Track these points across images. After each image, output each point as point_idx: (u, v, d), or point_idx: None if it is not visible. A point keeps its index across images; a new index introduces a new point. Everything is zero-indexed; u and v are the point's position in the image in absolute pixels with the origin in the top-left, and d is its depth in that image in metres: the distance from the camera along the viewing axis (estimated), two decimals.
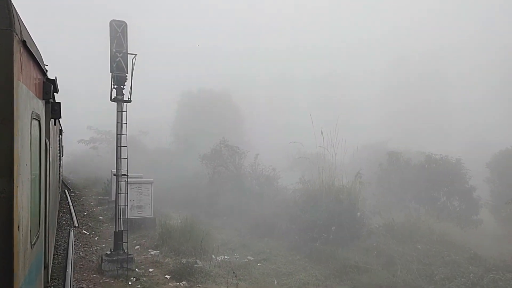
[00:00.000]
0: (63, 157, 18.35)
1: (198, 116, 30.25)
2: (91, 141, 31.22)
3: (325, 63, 54.76)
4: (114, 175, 11.94)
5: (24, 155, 2.73)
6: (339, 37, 69.29)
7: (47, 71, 4.46)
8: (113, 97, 9.17)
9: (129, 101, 9.16)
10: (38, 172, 3.75)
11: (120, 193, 9.10)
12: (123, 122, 9.17)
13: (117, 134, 9.17)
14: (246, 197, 17.93)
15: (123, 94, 9.19)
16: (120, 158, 9.13)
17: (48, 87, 4.07)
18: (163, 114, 36.11)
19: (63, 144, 15.50)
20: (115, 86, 9.09)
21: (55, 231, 8.89)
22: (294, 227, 13.97)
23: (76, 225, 11.61)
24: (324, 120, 17.28)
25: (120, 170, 9.29)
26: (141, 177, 15.49)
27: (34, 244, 3.23)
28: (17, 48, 2.48)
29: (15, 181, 2.40)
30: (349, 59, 58.06)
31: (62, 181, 17.89)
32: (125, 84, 9.00)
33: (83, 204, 17.59)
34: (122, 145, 9.18)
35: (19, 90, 2.53)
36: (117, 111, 9.13)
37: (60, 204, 13.76)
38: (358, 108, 44.78)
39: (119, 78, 8.98)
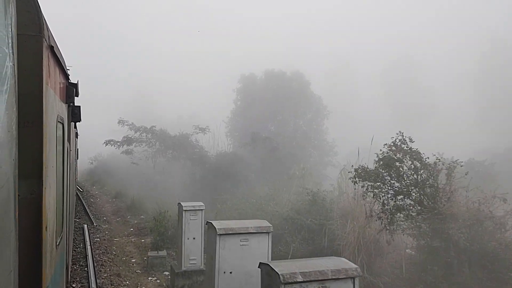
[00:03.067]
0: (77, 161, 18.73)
1: (267, 107, 25.77)
2: (125, 142, 23.97)
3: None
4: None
5: (51, 158, 3.20)
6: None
7: (69, 75, 5.19)
8: None
9: None
10: (62, 174, 4.25)
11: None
12: None
13: None
14: None
15: None
16: None
17: (71, 91, 4.73)
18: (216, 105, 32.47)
19: (78, 147, 16.47)
20: None
21: (73, 233, 9.90)
22: None
23: None
24: None
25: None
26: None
27: (58, 244, 3.74)
28: (45, 54, 2.90)
29: (44, 183, 2.80)
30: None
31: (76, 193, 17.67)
32: None
33: (115, 265, 10.73)
34: None
35: (48, 94, 2.98)
36: None
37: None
38: None
39: None
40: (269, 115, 27.80)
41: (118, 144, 20.25)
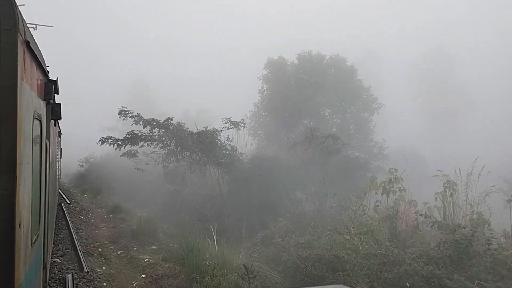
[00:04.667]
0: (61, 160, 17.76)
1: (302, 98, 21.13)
2: (129, 141, 17.14)
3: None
4: None
5: (26, 154, 3.22)
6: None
7: (48, 72, 5.20)
8: None
9: None
10: (39, 172, 4.35)
11: None
12: None
13: None
14: None
15: None
16: None
17: (49, 88, 4.79)
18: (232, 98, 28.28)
19: (61, 147, 15.50)
20: None
21: (53, 232, 10.04)
22: None
23: None
24: None
25: None
26: None
27: (34, 242, 3.76)
28: (21, 49, 2.97)
29: (17, 179, 2.85)
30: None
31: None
32: None
33: None
34: None
35: (23, 89, 3.04)
36: None
37: None
38: None
39: None
40: (305, 108, 22.91)
41: (119, 143, 15.14)
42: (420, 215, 10.10)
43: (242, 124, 16.17)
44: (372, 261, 8.10)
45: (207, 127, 15.42)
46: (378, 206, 12.42)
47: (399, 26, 65.39)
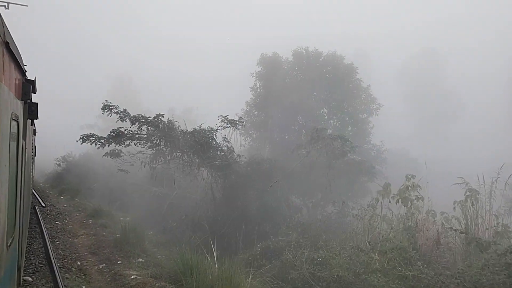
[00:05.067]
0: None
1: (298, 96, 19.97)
2: (113, 139, 14.64)
3: None
4: None
5: (3, 156, 3.22)
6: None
7: (26, 71, 5.25)
8: None
9: None
10: (15, 173, 4.31)
11: None
12: None
13: None
14: None
15: None
16: None
17: (27, 88, 4.75)
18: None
19: (35, 144, 14.77)
20: None
21: (27, 234, 9.54)
22: None
23: None
24: None
25: None
26: None
27: (9, 245, 3.69)
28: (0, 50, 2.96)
29: None
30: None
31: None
32: None
33: None
34: None
35: (1, 91, 3.01)
36: None
37: None
38: None
39: None
40: (301, 107, 21.80)
41: (102, 141, 13.61)
42: (454, 229, 9.02)
43: (240, 123, 14.94)
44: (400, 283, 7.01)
45: (201, 126, 14.12)
46: (388, 216, 11.41)
47: (392, 26, 65.25)
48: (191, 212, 15.32)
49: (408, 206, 10.57)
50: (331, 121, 22.16)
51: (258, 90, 24.15)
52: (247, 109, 24.37)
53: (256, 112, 23.89)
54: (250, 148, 22.66)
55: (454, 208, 11.22)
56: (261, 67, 24.29)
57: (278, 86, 22.73)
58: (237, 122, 14.66)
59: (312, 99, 22.00)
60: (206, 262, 9.45)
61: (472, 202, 10.59)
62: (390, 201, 11.23)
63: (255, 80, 24.46)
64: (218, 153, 14.14)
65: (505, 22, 56.34)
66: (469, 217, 10.65)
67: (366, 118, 22.55)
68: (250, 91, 24.46)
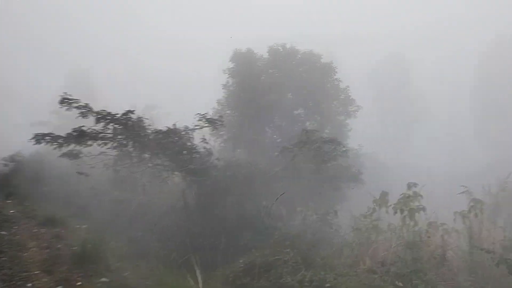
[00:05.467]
0: None
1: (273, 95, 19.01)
2: (73, 139, 12.49)
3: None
4: None
5: None
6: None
7: None
8: None
9: None
10: None
11: None
12: None
13: None
14: None
15: None
16: None
17: None
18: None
19: None
20: None
21: None
22: None
23: None
24: None
25: None
26: None
27: None
28: None
29: None
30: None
31: None
32: None
33: None
34: None
35: None
36: None
37: None
38: None
39: None
40: (276, 107, 20.77)
41: (61, 141, 11.83)
42: (480, 248, 8.16)
43: (220, 122, 13.63)
44: None
45: (175, 124, 12.68)
46: (383, 228, 10.52)
47: (363, 29, 65.79)
48: (161, 221, 13.83)
49: (413, 217, 9.71)
50: (308, 123, 21.28)
51: (231, 88, 22.90)
52: (219, 108, 23.04)
53: (228, 112, 22.60)
54: (221, 150, 21.34)
55: (455, 219, 10.55)
56: (234, 63, 23.05)
57: (253, 84, 21.57)
58: (217, 122, 13.37)
59: (289, 98, 21.03)
60: (186, 282, 8.17)
61: (476, 213, 9.94)
62: (387, 212, 10.39)
63: (228, 77, 23.20)
64: (194, 155, 12.78)
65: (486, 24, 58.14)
66: (472, 229, 9.98)
67: (344, 120, 21.90)
68: (222, 88, 23.15)
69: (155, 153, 12.84)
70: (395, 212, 10.20)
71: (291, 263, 8.56)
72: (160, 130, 12.23)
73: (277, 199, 12.25)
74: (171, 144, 11.91)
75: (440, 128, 51.07)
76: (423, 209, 10.03)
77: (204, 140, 13.48)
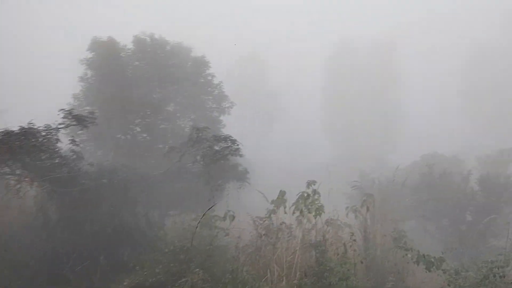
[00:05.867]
0: None
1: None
2: None
3: None
4: None
5: None
6: None
7: None
8: None
9: None
10: None
11: None
12: None
13: None
14: None
15: None
16: None
17: None
18: None
19: None
20: None
21: None
22: None
23: None
24: None
25: None
26: None
27: None
28: None
29: None
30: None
31: None
32: None
33: None
34: None
35: None
36: None
37: None
38: None
39: None
40: (147, 103, 19.01)
41: None
42: (404, 248, 8.16)
43: (91, 120, 11.41)
44: None
45: (32, 123, 10.08)
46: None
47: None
48: (11, 244, 11.12)
49: (320, 215, 9.47)
50: (180, 122, 20.02)
51: (90, 81, 20.10)
52: (76, 104, 20.01)
53: (88, 108, 19.77)
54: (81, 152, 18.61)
55: (347, 214, 10.75)
56: (93, 53, 20.30)
57: (117, 77, 19.31)
58: (86, 119, 11.17)
59: (159, 94, 19.43)
60: None
61: (368, 208, 10.26)
62: (286, 212, 10.01)
63: (86, 69, 20.33)
64: (57, 161, 10.48)
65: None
66: (365, 224, 10.28)
67: (218, 117, 21.23)
68: (79, 81, 20.19)
69: (2, 159, 10.17)
70: (293, 212, 9.92)
71: (199, 283, 7.44)
72: (12, 131, 9.64)
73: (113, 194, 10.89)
74: (28, 148, 9.49)
75: (295, 123, 54.68)
76: (322, 207, 9.92)
77: (73, 141, 11.26)
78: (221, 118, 21.51)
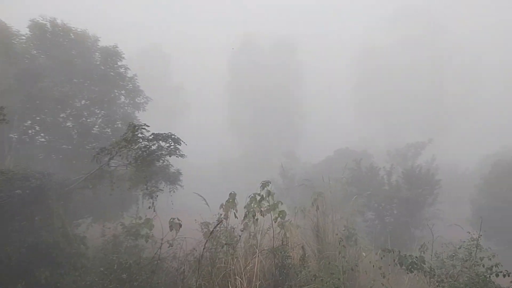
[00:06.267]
0: None
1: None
2: None
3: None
4: None
5: None
6: None
7: None
8: None
9: None
10: None
11: None
12: None
13: None
14: None
15: None
16: None
17: None
18: None
19: None
20: None
21: None
22: None
23: None
24: None
25: None
26: None
27: None
28: None
29: None
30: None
31: None
32: None
33: None
34: None
35: None
36: None
37: None
38: None
39: None
40: (51, 97, 16.63)
41: None
42: (383, 249, 7.84)
43: (3, 117, 9.21)
44: None
45: None
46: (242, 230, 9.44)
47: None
48: None
49: (284, 217, 8.91)
50: (93, 119, 17.87)
51: None
52: None
53: None
54: None
55: (296, 213, 10.41)
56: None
57: (9, 68, 16.57)
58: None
59: (64, 88, 17.05)
60: None
61: (318, 207, 10.01)
62: (236, 217, 9.29)
63: None
64: None
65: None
66: (317, 223, 10.01)
67: (132, 113, 19.45)
68: None
69: None
70: (245, 217, 9.24)
71: None
72: None
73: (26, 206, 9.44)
74: None
75: (201, 119, 53.75)
76: (283, 212, 9.37)
77: None
78: (136, 114, 19.82)
